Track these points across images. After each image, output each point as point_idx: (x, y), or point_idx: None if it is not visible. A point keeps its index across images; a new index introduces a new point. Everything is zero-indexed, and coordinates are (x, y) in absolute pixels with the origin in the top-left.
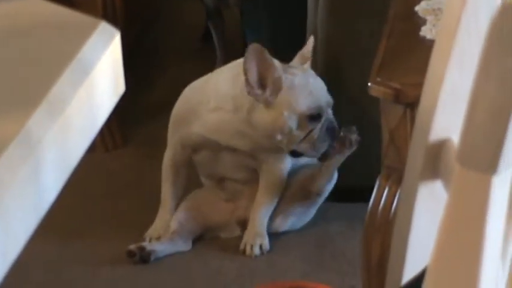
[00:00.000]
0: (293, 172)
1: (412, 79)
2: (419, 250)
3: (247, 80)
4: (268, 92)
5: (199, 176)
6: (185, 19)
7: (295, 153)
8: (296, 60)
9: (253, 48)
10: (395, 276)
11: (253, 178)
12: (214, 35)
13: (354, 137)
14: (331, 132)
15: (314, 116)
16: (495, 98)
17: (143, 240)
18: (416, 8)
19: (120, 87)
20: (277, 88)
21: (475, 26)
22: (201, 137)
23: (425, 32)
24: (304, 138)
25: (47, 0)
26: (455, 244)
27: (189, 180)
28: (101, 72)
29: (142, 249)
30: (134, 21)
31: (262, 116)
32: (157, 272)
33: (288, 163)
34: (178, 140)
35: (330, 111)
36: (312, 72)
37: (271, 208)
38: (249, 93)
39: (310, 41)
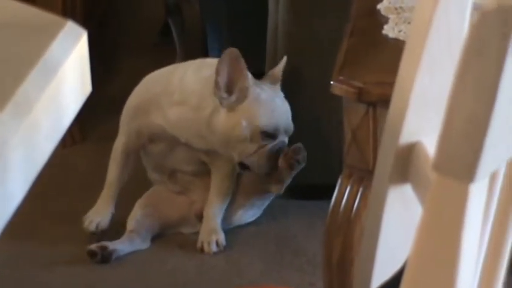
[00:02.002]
0: None
1: (375, 78)
2: (388, 253)
3: (216, 81)
4: (233, 98)
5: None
6: (143, 14)
7: (242, 166)
8: (266, 79)
9: (230, 52)
10: (364, 278)
11: (204, 170)
12: (173, 31)
13: (301, 156)
14: (274, 160)
15: (269, 134)
16: (472, 105)
17: (82, 222)
18: (379, 7)
19: (87, 87)
20: (243, 96)
21: (446, 27)
22: (161, 129)
23: (388, 30)
24: (255, 152)
25: None
26: (432, 252)
27: (137, 179)
28: (68, 73)
29: (104, 248)
30: (93, 16)
31: (222, 120)
32: (115, 270)
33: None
34: (135, 128)
35: (286, 139)
36: (281, 95)
37: (225, 204)
38: (215, 94)
39: (283, 61)
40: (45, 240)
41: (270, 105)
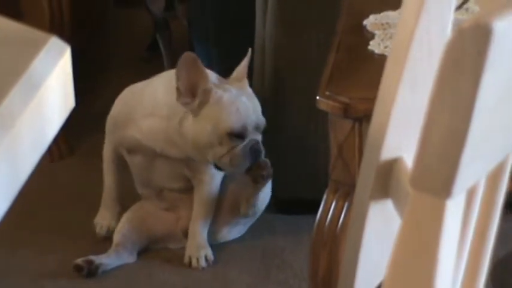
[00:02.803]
0: (230, 181)
1: (361, 93)
2: (370, 266)
3: (177, 87)
4: (196, 102)
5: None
6: (131, 29)
7: (217, 167)
8: (234, 76)
9: (185, 56)
10: None
11: (190, 187)
12: (161, 46)
13: (266, 172)
14: (254, 152)
15: (237, 135)
16: (449, 121)
17: (91, 231)
18: (365, 22)
19: (70, 102)
20: (205, 100)
21: (426, 44)
22: (136, 141)
23: (374, 46)
24: (227, 153)
25: None
26: (409, 267)
27: (124, 191)
28: (51, 87)
29: (90, 263)
30: (80, 31)
31: (189, 127)
32: (102, 284)
33: (219, 174)
34: (115, 140)
35: (258, 134)
36: (249, 91)
37: (209, 219)
38: (177, 99)
39: (247, 57)
40: (33, 253)
41: (233, 105)
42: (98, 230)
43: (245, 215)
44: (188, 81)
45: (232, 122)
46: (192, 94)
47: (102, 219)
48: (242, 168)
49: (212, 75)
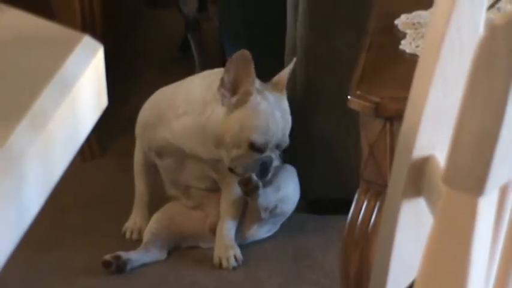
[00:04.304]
0: None
1: (392, 93)
2: (401, 266)
3: (223, 78)
4: (234, 99)
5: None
6: (163, 29)
7: (230, 169)
8: (272, 85)
9: (241, 53)
10: None
11: (217, 187)
12: (193, 46)
13: (250, 187)
14: (263, 169)
15: (257, 147)
16: (482, 119)
17: (122, 233)
18: (396, 22)
19: (103, 101)
20: (243, 101)
21: (458, 44)
22: (166, 142)
23: (405, 45)
24: (239, 157)
25: (28, 13)
26: (442, 265)
27: (154, 194)
28: (84, 87)
29: (118, 258)
30: (112, 32)
31: (218, 119)
32: (132, 282)
33: None
34: (145, 143)
35: (276, 151)
36: (285, 104)
37: (237, 220)
38: (218, 89)
39: (289, 66)
40: (66, 252)
41: (266, 118)
42: (128, 235)
43: (262, 218)
44: (234, 77)
45: (258, 134)
46: (233, 90)
47: (134, 224)
48: (245, 173)
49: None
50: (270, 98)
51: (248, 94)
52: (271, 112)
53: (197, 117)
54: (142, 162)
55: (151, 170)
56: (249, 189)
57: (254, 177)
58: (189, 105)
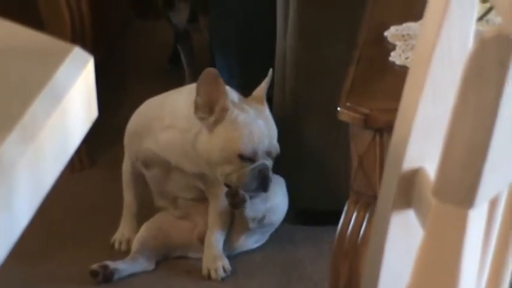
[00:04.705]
0: None
1: (382, 104)
2: (391, 278)
3: (196, 101)
4: (212, 118)
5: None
6: (153, 40)
7: (226, 184)
8: (253, 95)
9: (207, 72)
10: None
11: (204, 196)
12: (183, 58)
13: (237, 200)
14: (262, 177)
15: (247, 157)
16: (471, 131)
17: (111, 244)
18: (386, 34)
19: (93, 113)
20: (221, 118)
21: (448, 55)
22: (152, 153)
23: (395, 57)
24: (234, 172)
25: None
26: (431, 277)
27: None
28: (74, 98)
29: (105, 268)
30: (102, 42)
31: (203, 142)
32: None
33: None
34: (133, 154)
35: (269, 159)
36: (267, 114)
37: (225, 230)
38: (195, 113)
39: (267, 77)
40: (55, 263)
41: (247, 128)
42: (116, 246)
43: (250, 229)
44: (207, 97)
45: (243, 144)
46: (209, 110)
47: (122, 235)
48: (249, 188)
49: (232, 93)
50: (249, 109)
51: (224, 110)
52: (252, 121)
53: (183, 133)
54: (130, 173)
55: (140, 180)
56: (236, 202)
57: (240, 190)
58: (175, 119)
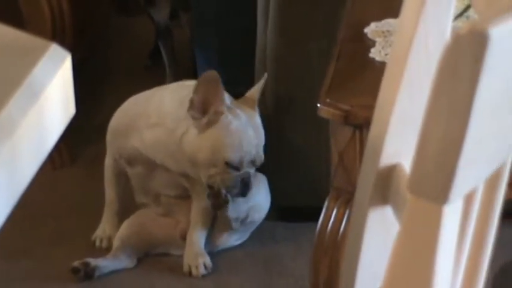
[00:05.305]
0: None
1: (362, 101)
2: (369, 273)
3: (192, 99)
4: (205, 119)
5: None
6: (133, 37)
7: (209, 186)
8: (246, 97)
9: (209, 73)
10: None
11: (187, 194)
12: (163, 53)
13: (219, 201)
14: (243, 185)
15: (232, 165)
16: (446, 127)
17: (92, 242)
18: (366, 30)
19: (71, 110)
20: (214, 121)
21: (425, 52)
22: (137, 152)
23: (375, 54)
24: (218, 175)
25: None
26: (406, 273)
27: (125, 200)
28: (51, 95)
29: (86, 265)
30: (83, 38)
31: (190, 141)
32: None
33: None
34: (116, 151)
35: (252, 167)
36: (257, 121)
37: (207, 228)
38: (188, 111)
39: (261, 82)
40: (35, 261)
41: (239, 136)
42: (97, 243)
43: (233, 228)
44: (204, 98)
45: (232, 153)
46: (203, 110)
47: (103, 232)
48: (230, 192)
49: (225, 97)
50: (242, 116)
51: (219, 114)
52: (244, 130)
53: (169, 132)
54: (112, 170)
55: (122, 178)
56: (219, 203)
57: (223, 191)
58: (161, 118)
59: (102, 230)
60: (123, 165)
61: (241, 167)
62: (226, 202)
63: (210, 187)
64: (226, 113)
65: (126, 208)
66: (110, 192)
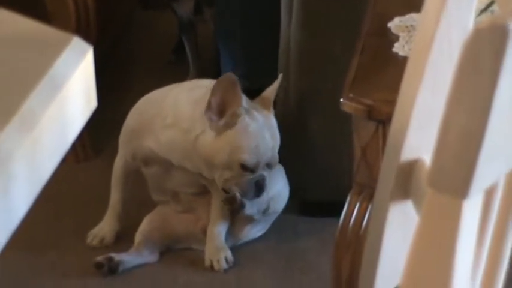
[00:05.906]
0: None
1: (385, 95)
2: (389, 268)
3: (209, 101)
4: (222, 122)
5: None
6: (157, 31)
7: (223, 189)
8: (261, 97)
9: (227, 76)
10: None
11: (206, 190)
12: (187, 48)
13: (235, 206)
14: (258, 188)
15: (248, 168)
16: (467, 122)
17: (86, 238)
18: (389, 25)
19: (92, 103)
20: (232, 123)
21: (447, 46)
22: (152, 152)
23: (398, 48)
24: (232, 178)
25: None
26: (426, 268)
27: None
28: (73, 88)
29: (110, 260)
30: (107, 33)
31: (206, 143)
32: (125, 284)
33: None
34: (130, 152)
35: (267, 170)
36: (273, 123)
37: (227, 222)
38: (205, 113)
39: (276, 81)
40: (59, 253)
41: (256, 139)
42: (89, 240)
43: (255, 219)
44: (221, 100)
45: (249, 155)
46: (220, 112)
47: (98, 231)
48: (245, 196)
49: (242, 98)
50: (259, 118)
51: (236, 116)
52: (261, 132)
53: (184, 134)
54: (122, 171)
55: (130, 179)
56: (235, 208)
57: (238, 195)
58: (177, 118)
59: (99, 229)
60: (138, 166)
61: (256, 170)
62: (242, 206)
63: (225, 191)
64: (243, 115)
65: (143, 205)
66: (114, 194)
